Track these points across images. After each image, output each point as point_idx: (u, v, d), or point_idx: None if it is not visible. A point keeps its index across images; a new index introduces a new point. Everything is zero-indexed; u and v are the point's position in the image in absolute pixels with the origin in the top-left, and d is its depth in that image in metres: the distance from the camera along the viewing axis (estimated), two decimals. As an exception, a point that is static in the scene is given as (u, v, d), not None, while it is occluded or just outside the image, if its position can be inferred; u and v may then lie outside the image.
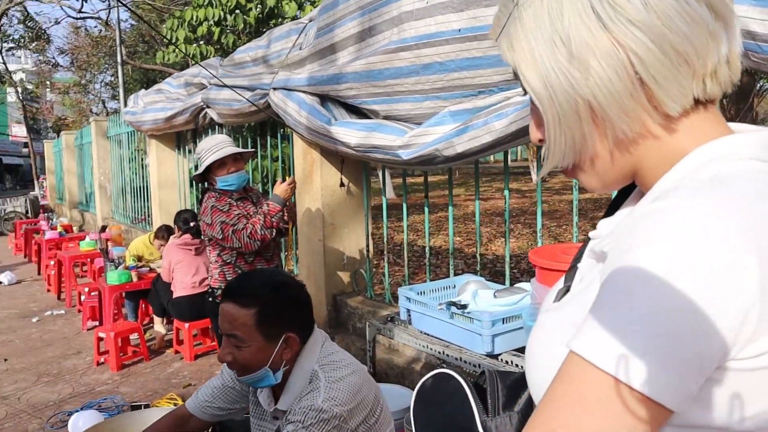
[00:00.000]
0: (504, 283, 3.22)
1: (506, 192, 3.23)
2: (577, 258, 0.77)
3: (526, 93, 0.69)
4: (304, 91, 3.79)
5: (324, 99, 3.71)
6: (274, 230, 3.32)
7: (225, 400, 2.00)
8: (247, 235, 3.19)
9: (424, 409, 0.91)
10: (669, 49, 0.60)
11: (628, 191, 0.77)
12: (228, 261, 3.33)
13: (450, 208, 3.60)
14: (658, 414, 0.53)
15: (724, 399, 0.55)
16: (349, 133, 3.40)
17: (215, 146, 3.30)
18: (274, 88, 4.13)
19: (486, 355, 2.32)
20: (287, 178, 3.38)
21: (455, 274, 3.66)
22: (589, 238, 0.76)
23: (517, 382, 0.87)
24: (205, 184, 3.48)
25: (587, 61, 0.61)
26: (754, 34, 1.82)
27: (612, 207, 0.79)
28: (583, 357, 0.55)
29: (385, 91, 3.13)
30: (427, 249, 3.86)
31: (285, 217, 3.38)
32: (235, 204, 3.33)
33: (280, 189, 3.34)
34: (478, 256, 3.55)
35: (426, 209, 3.85)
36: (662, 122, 0.63)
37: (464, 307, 2.41)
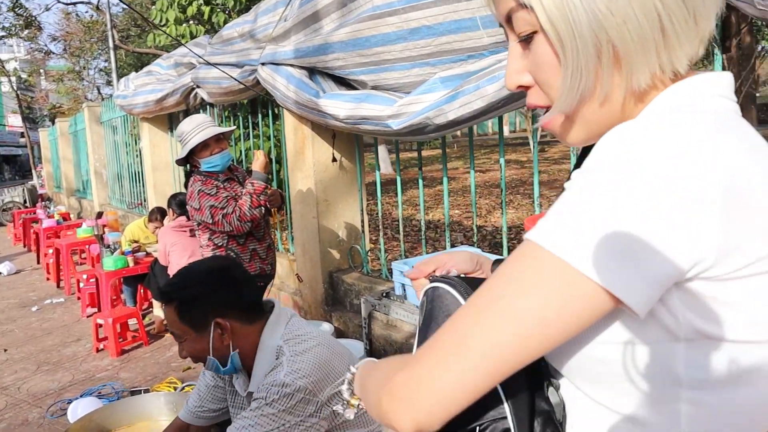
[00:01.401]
0: (502, 255, 3.15)
1: (501, 160, 3.14)
2: None
3: (524, 35, 0.67)
4: (291, 65, 3.69)
5: (312, 72, 3.61)
6: (263, 208, 3.24)
7: (214, 401, 1.96)
8: (237, 218, 3.11)
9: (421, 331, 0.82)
10: (691, 8, 0.61)
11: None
12: (220, 244, 3.26)
13: (444, 179, 3.51)
14: (593, 295, 0.56)
15: (717, 309, 0.57)
16: (338, 105, 3.30)
17: (196, 128, 3.19)
18: (262, 64, 4.03)
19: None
20: (256, 152, 3.28)
21: (453, 247, 3.58)
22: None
23: None
24: (188, 167, 3.37)
25: (625, 8, 0.60)
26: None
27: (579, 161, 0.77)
28: (531, 240, 0.59)
29: (372, 60, 3.03)
30: (422, 222, 3.78)
31: (269, 200, 3.29)
32: (222, 186, 3.24)
33: (258, 164, 3.23)
34: (474, 228, 3.47)
35: (420, 182, 3.76)
36: (669, 77, 0.65)
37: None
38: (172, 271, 4.85)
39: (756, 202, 0.55)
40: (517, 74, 0.70)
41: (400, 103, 2.93)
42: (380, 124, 3.07)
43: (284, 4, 3.93)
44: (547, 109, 0.70)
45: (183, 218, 4.94)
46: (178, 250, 4.83)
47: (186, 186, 3.33)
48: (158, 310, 5.29)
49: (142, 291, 5.72)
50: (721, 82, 0.65)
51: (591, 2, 0.61)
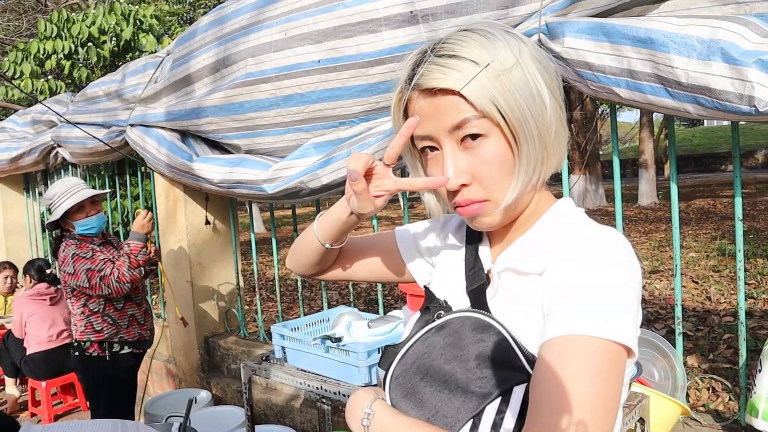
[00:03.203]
0: (378, 312, 3.23)
1: (374, 221, 3.26)
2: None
3: (473, 135, 0.84)
4: (162, 127, 3.64)
5: (184, 135, 3.58)
6: (143, 269, 3.15)
7: None
8: (116, 280, 3.02)
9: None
10: (564, 129, 0.89)
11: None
12: (95, 310, 3.12)
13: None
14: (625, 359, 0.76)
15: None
16: (212, 169, 3.29)
17: (69, 190, 3.11)
18: (131, 125, 3.94)
19: (365, 386, 2.30)
20: (140, 211, 3.25)
21: (329, 306, 3.62)
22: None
23: None
24: (57, 232, 3.24)
25: (552, 122, 0.85)
26: (590, 65, 1.96)
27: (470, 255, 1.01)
28: (587, 335, 0.74)
29: (246, 125, 3.07)
30: (299, 283, 3.80)
31: (151, 255, 3.22)
32: (98, 249, 3.14)
33: (137, 225, 3.17)
34: (350, 287, 3.54)
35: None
36: (547, 179, 0.91)
37: (339, 339, 2.38)
38: (29, 344, 4.50)
39: None
40: (462, 174, 0.86)
41: (275, 167, 2.98)
42: (255, 188, 3.09)
43: (154, 66, 3.89)
44: (479, 202, 0.87)
45: (42, 285, 4.62)
46: (36, 320, 4.50)
47: (55, 253, 3.17)
48: (11, 388, 4.85)
49: (-9, 367, 5.23)
50: (569, 200, 0.95)
51: (540, 116, 0.83)
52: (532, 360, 0.80)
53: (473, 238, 1.01)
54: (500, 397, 0.80)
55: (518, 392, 0.79)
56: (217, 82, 3.20)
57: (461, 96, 0.82)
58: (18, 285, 5.51)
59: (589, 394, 0.71)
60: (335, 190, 2.86)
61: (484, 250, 0.98)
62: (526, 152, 0.83)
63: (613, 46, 1.86)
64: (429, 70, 0.83)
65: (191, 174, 3.44)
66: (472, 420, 0.81)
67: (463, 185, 0.86)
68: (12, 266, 5.50)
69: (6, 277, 5.41)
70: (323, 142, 2.84)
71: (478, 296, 0.92)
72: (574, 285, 0.78)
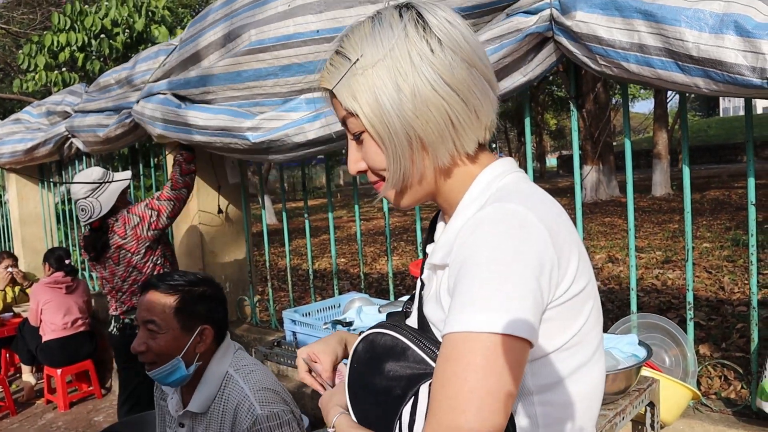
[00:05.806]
0: (389, 299, 3.24)
1: (386, 209, 3.26)
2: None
3: (356, 134, 0.88)
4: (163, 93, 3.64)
5: (183, 99, 3.57)
6: (193, 175, 3.39)
7: None
8: (171, 188, 3.27)
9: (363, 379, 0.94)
10: (472, 108, 0.85)
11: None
12: (157, 262, 3.34)
13: (331, 228, 3.58)
14: (526, 350, 0.74)
15: (558, 327, 0.80)
16: (198, 115, 3.27)
17: (105, 174, 3.30)
18: (138, 101, 3.93)
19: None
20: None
21: (341, 294, 3.63)
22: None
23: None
24: (87, 228, 3.36)
25: (425, 111, 0.83)
26: (600, 39, 1.94)
27: (429, 235, 1.04)
28: (465, 331, 0.72)
29: (243, 94, 3.06)
30: (310, 271, 3.81)
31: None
32: None
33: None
34: (362, 275, 3.55)
35: (307, 231, 3.81)
36: (464, 155, 0.89)
37: (350, 324, 2.39)
38: (44, 332, 4.55)
39: (560, 251, 0.78)
40: (355, 163, 0.93)
41: (262, 116, 2.95)
42: (238, 136, 3.06)
43: (166, 53, 3.89)
44: (379, 182, 0.92)
45: (59, 274, 4.67)
46: (52, 308, 4.55)
47: (101, 247, 3.28)
48: (27, 376, 4.91)
49: (7, 356, 5.29)
50: (506, 163, 0.92)
51: (400, 109, 0.82)
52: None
53: (431, 235, 1.05)
54: (413, 397, 0.84)
55: (424, 390, 0.83)
56: (223, 56, 3.19)
57: (335, 95, 0.87)
58: (19, 273, 5.54)
59: (462, 392, 0.71)
60: (321, 147, 2.84)
61: (430, 247, 1.01)
62: (392, 148, 0.85)
63: (625, 20, 1.84)
64: (324, 66, 0.90)
65: (182, 124, 3.38)
66: (398, 422, 0.85)
67: (360, 171, 0.93)
68: (11, 255, 5.53)
69: (7, 268, 5.43)
70: (315, 98, 2.80)
71: (420, 298, 0.98)
72: (460, 273, 0.77)
